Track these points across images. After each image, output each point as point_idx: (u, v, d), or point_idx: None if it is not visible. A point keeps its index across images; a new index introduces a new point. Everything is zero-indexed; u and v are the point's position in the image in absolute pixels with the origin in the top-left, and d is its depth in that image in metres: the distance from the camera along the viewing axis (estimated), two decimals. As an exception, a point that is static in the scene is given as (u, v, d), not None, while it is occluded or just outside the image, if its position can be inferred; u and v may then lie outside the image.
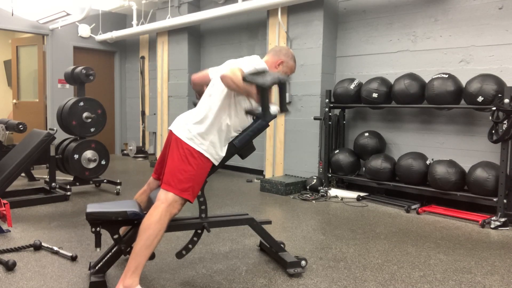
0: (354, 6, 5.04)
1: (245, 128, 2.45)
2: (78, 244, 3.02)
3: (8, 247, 2.87)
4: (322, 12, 4.96)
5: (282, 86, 2.31)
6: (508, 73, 3.91)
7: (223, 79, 2.23)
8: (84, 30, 7.63)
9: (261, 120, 2.36)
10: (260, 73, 2.23)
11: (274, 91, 2.48)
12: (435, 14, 4.39)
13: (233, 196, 4.77)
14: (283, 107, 2.40)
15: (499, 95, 3.63)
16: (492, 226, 3.57)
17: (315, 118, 5.04)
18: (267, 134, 5.56)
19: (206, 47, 6.87)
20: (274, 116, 2.34)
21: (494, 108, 3.64)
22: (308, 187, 4.92)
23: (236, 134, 2.44)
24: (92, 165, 4.69)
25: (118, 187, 4.80)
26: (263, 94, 2.21)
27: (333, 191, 4.77)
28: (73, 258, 2.70)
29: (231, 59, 2.53)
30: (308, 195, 4.70)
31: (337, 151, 4.86)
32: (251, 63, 2.33)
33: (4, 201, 3.14)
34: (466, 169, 3.94)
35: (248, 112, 2.33)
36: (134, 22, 7.12)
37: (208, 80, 2.57)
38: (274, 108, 2.33)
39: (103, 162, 4.78)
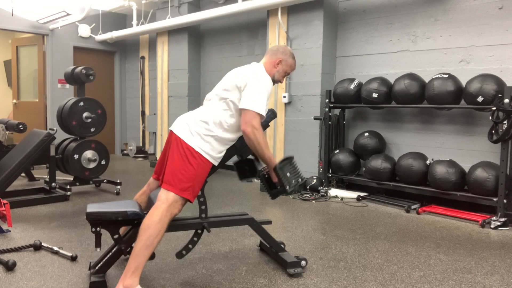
0: (354, 6, 5.04)
1: None
2: (78, 244, 3.02)
3: (8, 247, 2.87)
4: (322, 12, 4.96)
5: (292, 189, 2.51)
6: (508, 73, 3.91)
7: (245, 135, 2.33)
8: (84, 30, 7.63)
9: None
10: (290, 165, 2.50)
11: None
12: (435, 14, 4.39)
13: (233, 196, 4.77)
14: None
15: (499, 95, 3.63)
16: (492, 226, 3.57)
17: (315, 118, 5.04)
18: (267, 134, 5.56)
19: (206, 47, 6.87)
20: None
21: (494, 108, 3.64)
22: (308, 187, 4.92)
23: (236, 137, 2.44)
24: (92, 165, 4.69)
25: (118, 187, 4.80)
26: (279, 178, 2.44)
27: (333, 191, 4.77)
28: (73, 258, 2.70)
29: (232, 70, 2.53)
30: (308, 195, 4.70)
31: (337, 151, 4.86)
32: (263, 92, 2.36)
33: (4, 201, 3.14)
34: (466, 169, 3.94)
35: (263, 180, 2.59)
36: (134, 22, 7.12)
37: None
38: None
39: (103, 162, 4.78)
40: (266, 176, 2.53)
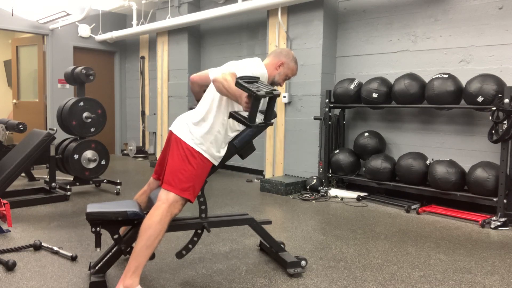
0: (354, 6, 5.04)
1: (244, 128, 2.45)
2: (78, 244, 3.02)
3: (8, 247, 2.87)
4: (322, 12, 4.96)
5: (274, 99, 2.16)
6: (508, 73, 3.91)
7: (214, 83, 2.22)
8: (84, 30, 7.63)
9: (246, 127, 2.27)
10: (254, 80, 2.13)
11: (264, 100, 2.30)
12: (435, 14, 4.39)
13: (233, 196, 4.77)
14: (269, 119, 2.23)
15: (499, 95, 3.64)
16: (492, 226, 3.57)
17: (315, 118, 5.04)
18: (267, 134, 5.56)
19: (206, 47, 6.87)
20: (257, 126, 2.18)
21: (494, 108, 3.64)
22: (308, 187, 4.92)
23: (234, 134, 2.44)
24: (92, 165, 4.69)
25: (118, 187, 4.80)
26: (253, 103, 2.06)
27: (333, 191, 4.77)
28: (73, 258, 2.70)
29: (232, 60, 2.53)
30: (308, 195, 4.70)
31: (337, 151, 4.86)
32: (249, 67, 2.34)
33: (4, 201, 3.14)
34: (466, 169, 3.94)
35: (232, 116, 2.19)
36: (134, 22, 7.12)
37: (208, 81, 2.52)
38: (258, 118, 2.17)
39: (103, 162, 4.78)
40: (237, 113, 2.16)
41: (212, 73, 2.47)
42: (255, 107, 2.07)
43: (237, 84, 2.04)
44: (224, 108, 2.36)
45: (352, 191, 4.77)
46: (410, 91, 4.18)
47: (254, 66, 2.39)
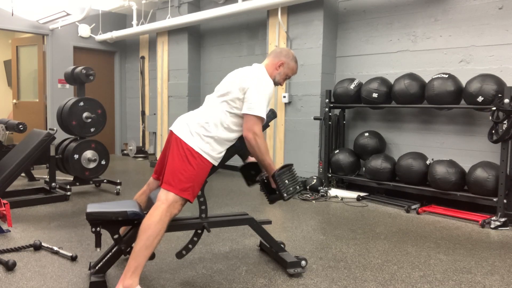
0: (354, 6, 5.04)
1: None
2: (78, 244, 3.02)
3: (8, 247, 2.87)
4: (322, 12, 4.96)
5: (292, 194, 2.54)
6: (508, 73, 3.91)
7: (247, 142, 2.36)
8: (84, 30, 7.63)
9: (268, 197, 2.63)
10: (289, 173, 2.50)
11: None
12: (435, 14, 4.39)
13: (233, 196, 4.77)
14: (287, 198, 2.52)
15: (499, 95, 3.64)
16: (492, 226, 3.57)
17: (315, 118, 5.04)
18: (267, 134, 5.56)
19: (206, 47, 6.87)
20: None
21: (494, 108, 3.64)
22: (308, 187, 4.92)
23: (235, 138, 2.44)
24: (92, 165, 4.69)
25: (118, 187, 4.80)
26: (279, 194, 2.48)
27: (333, 191, 4.77)
28: (73, 258, 2.70)
29: (233, 72, 2.53)
30: (308, 195, 4.70)
31: (337, 151, 4.86)
32: (261, 92, 2.36)
33: (4, 201, 3.14)
34: (466, 169, 3.94)
35: (261, 183, 2.63)
36: (134, 22, 7.12)
37: None
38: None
39: (103, 162, 4.78)
40: (266, 181, 2.56)
41: (250, 121, 2.36)
42: (279, 197, 2.51)
43: (274, 177, 2.44)
44: (226, 112, 2.37)
45: (352, 191, 4.77)
46: (410, 91, 4.18)
47: (267, 89, 2.41)
